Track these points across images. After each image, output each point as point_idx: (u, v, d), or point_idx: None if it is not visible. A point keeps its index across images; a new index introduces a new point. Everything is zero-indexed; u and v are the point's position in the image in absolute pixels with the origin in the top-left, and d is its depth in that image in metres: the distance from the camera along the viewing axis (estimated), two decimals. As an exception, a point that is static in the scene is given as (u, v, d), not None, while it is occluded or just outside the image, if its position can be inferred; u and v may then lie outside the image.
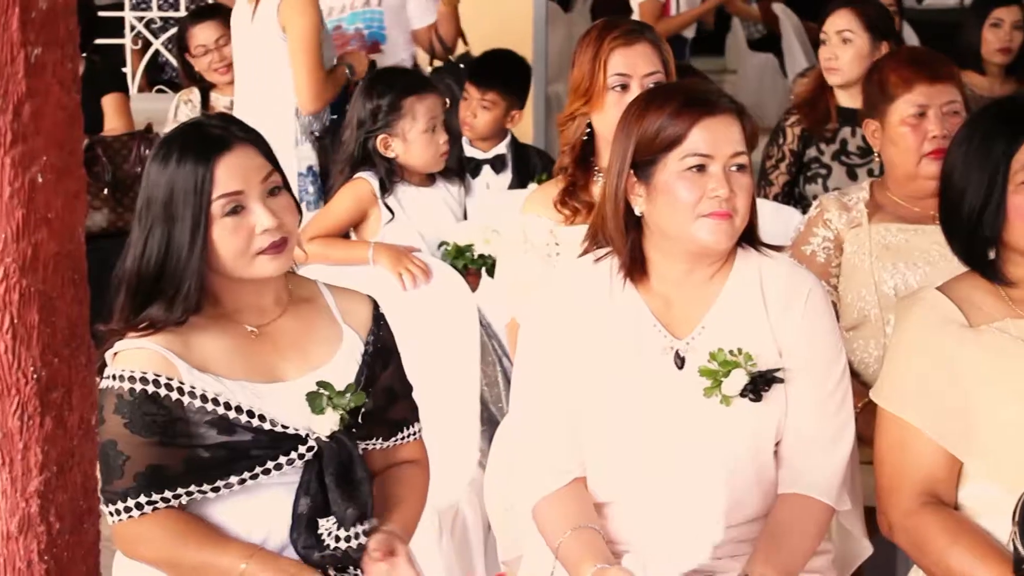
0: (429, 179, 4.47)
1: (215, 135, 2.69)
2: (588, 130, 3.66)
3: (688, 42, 7.05)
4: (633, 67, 3.60)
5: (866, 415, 3.15)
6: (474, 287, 4.26)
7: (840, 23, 4.96)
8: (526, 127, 6.36)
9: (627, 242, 2.92)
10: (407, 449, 2.94)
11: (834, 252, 3.72)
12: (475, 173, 4.99)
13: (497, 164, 5.03)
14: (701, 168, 2.83)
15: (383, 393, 2.83)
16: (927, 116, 3.64)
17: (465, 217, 4.52)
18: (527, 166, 5.02)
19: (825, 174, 4.70)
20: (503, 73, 5.17)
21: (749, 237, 2.95)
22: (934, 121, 3.62)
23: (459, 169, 4.74)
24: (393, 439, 2.89)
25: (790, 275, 2.95)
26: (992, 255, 2.88)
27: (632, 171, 2.89)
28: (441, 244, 4.42)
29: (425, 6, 5.78)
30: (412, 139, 4.34)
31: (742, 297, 2.92)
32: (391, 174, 4.37)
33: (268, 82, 5.10)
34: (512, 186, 4.95)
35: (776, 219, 4.31)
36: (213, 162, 2.65)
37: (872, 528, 3.09)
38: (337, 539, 2.69)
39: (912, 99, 3.66)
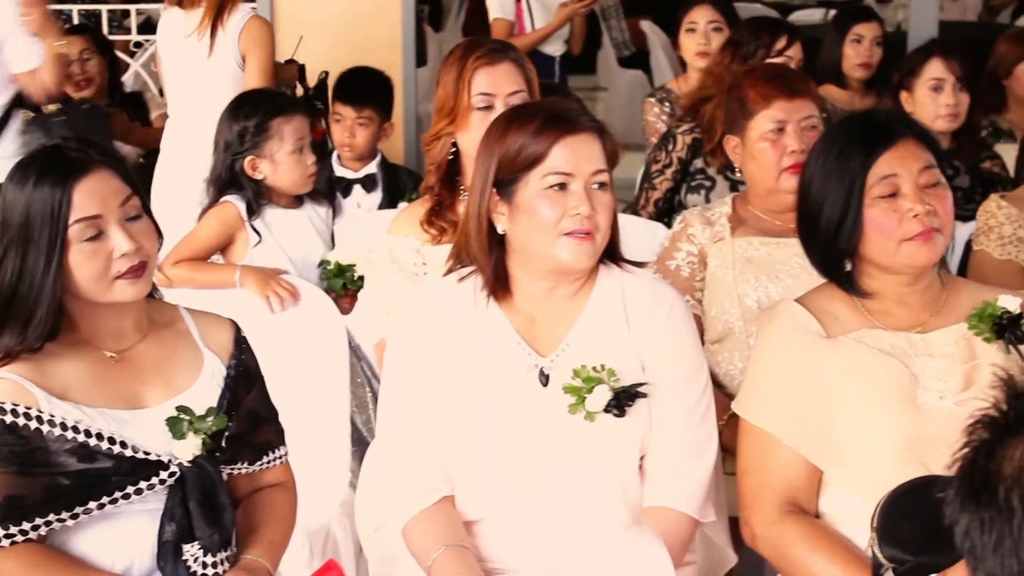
0: (296, 201, 4.45)
1: (73, 158, 2.66)
2: (453, 149, 3.67)
3: (556, 60, 7.08)
4: (497, 86, 3.62)
5: (731, 427, 3.19)
6: (350, 308, 4.25)
7: (708, 15, 5.11)
8: (397, 147, 6.36)
9: (490, 260, 2.94)
10: (273, 472, 2.92)
11: (698, 266, 3.76)
12: (346, 193, 4.99)
13: (368, 183, 5.03)
14: (562, 186, 2.86)
15: (247, 417, 2.81)
16: (785, 131, 3.71)
17: (332, 239, 4.51)
18: (397, 185, 5.02)
19: (709, 186, 4.73)
20: (373, 89, 5.18)
21: (611, 254, 2.98)
22: (792, 136, 3.68)
23: (328, 190, 4.74)
24: (258, 463, 2.87)
25: (652, 291, 2.99)
26: (849, 267, 2.94)
27: (495, 190, 2.91)
28: (322, 263, 4.41)
29: (26, 51, 5.52)
30: (279, 160, 4.32)
31: (605, 313, 2.94)
32: (258, 196, 4.35)
33: (217, 104, 4.98)
34: (382, 205, 4.95)
35: (644, 235, 4.35)
36: (71, 186, 2.62)
37: (737, 538, 3.13)
38: (204, 565, 2.67)
39: (771, 115, 3.72)
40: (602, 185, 2.89)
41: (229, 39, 5.48)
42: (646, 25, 9.00)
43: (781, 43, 4.99)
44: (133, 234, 2.67)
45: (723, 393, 3.59)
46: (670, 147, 4.81)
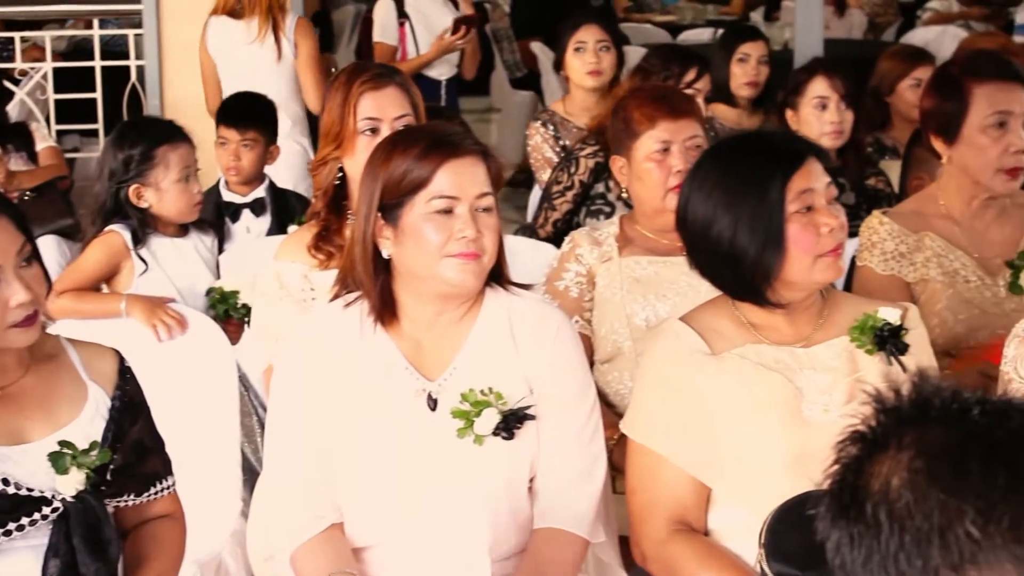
0: (182, 229, 4.42)
1: None
2: (340, 174, 3.66)
3: (442, 84, 7.09)
4: (382, 110, 3.62)
5: (622, 446, 3.20)
6: (236, 337, 4.22)
7: (596, 34, 5.14)
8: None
9: (376, 285, 2.93)
10: (161, 504, 2.89)
11: (587, 286, 3.78)
12: (235, 218, 4.95)
13: (256, 208, 5.00)
14: (448, 210, 2.86)
15: (133, 448, 2.78)
16: (671, 151, 3.73)
17: (217, 268, 4.48)
18: (287, 210, 4.99)
19: (608, 211, 4.75)
20: (256, 111, 5.16)
21: (497, 276, 2.99)
22: (678, 156, 3.71)
23: (216, 218, 4.70)
24: (146, 494, 2.84)
25: (538, 313, 3.00)
26: (764, 283, 2.92)
27: (379, 214, 2.91)
28: (209, 291, 4.37)
29: None
30: (165, 189, 4.29)
31: (492, 336, 2.95)
32: (144, 225, 4.31)
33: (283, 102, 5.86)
34: (272, 230, 4.92)
35: (534, 256, 4.36)
36: None
37: (628, 558, 3.14)
38: (89, 600, 2.64)
39: (656, 135, 3.75)
40: (487, 208, 2.89)
41: (288, 42, 6.31)
42: (536, 47, 9.04)
43: (691, 75, 5.05)
44: (28, 282, 2.63)
45: (613, 412, 3.61)
46: (572, 169, 4.83)
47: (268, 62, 6.32)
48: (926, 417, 1.51)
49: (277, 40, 6.33)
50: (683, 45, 5.80)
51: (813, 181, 2.87)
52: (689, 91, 4.83)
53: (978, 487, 1.43)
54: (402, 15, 7.19)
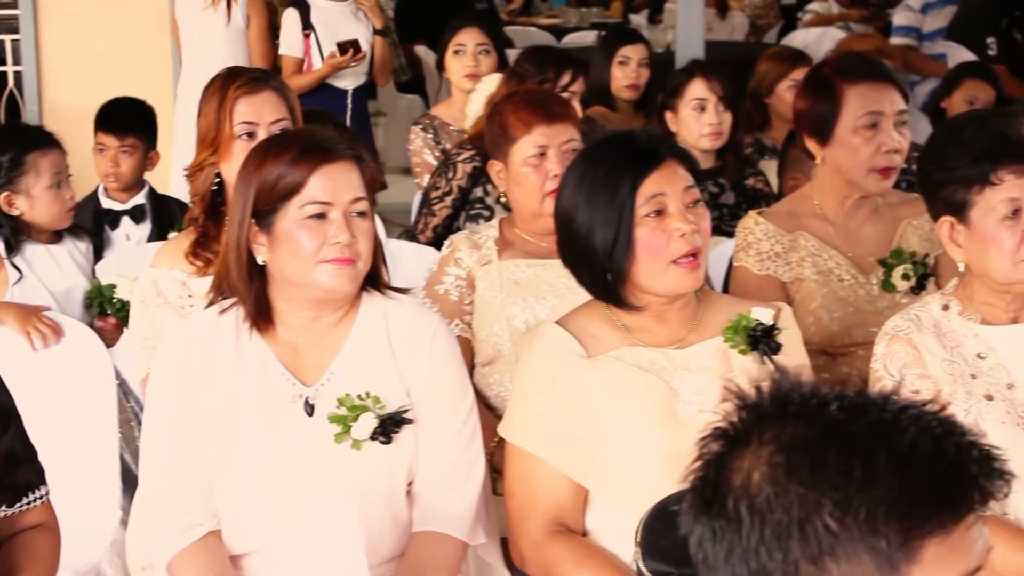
0: (56, 236, 4.36)
1: None
2: (218, 180, 3.64)
3: (348, 93, 7.04)
4: (259, 115, 3.60)
5: (503, 449, 3.21)
6: (114, 336, 4.17)
7: (476, 36, 5.12)
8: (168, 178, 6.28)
9: (251, 292, 2.92)
10: (34, 514, 2.84)
11: (467, 290, 3.78)
12: (114, 225, 4.90)
13: (137, 214, 4.95)
14: (321, 216, 2.85)
15: (4, 458, 2.73)
16: (547, 156, 3.75)
17: (93, 274, 4.42)
18: (167, 216, 4.95)
19: (487, 215, 4.75)
20: (135, 117, 5.11)
21: (374, 281, 2.99)
22: (554, 160, 3.72)
23: (95, 226, 4.65)
24: (18, 505, 2.80)
25: (415, 316, 3.00)
26: (618, 285, 2.96)
27: (253, 220, 2.89)
28: (86, 296, 4.32)
29: None
30: (37, 195, 4.23)
31: (369, 341, 2.95)
32: (16, 232, 4.25)
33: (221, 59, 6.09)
34: (152, 237, 4.87)
35: (416, 260, 4.36)
36: None
37: (511, 559, 3.15)
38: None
39: (532, 140, 3.76)
40: (362, 213, 2.89)
41: (240, 11, 6.73)
42: (421, 50, 9.04)
43: (566, 78, 5.05)
44: None
45: (494, 415, 3.61)
46: (450, 175, 4.83)
47: (218, 28, 6.68)
48: (785, 413, 1.53)
49: (228, 6, 6.67)
50: (558, 48, 5.80)
51: (667, 185, 2.89)
52: (565, 95, 4.85)
53: (835, 480, 1.45)
54: (307, 27, 7.16)
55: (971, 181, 2.92)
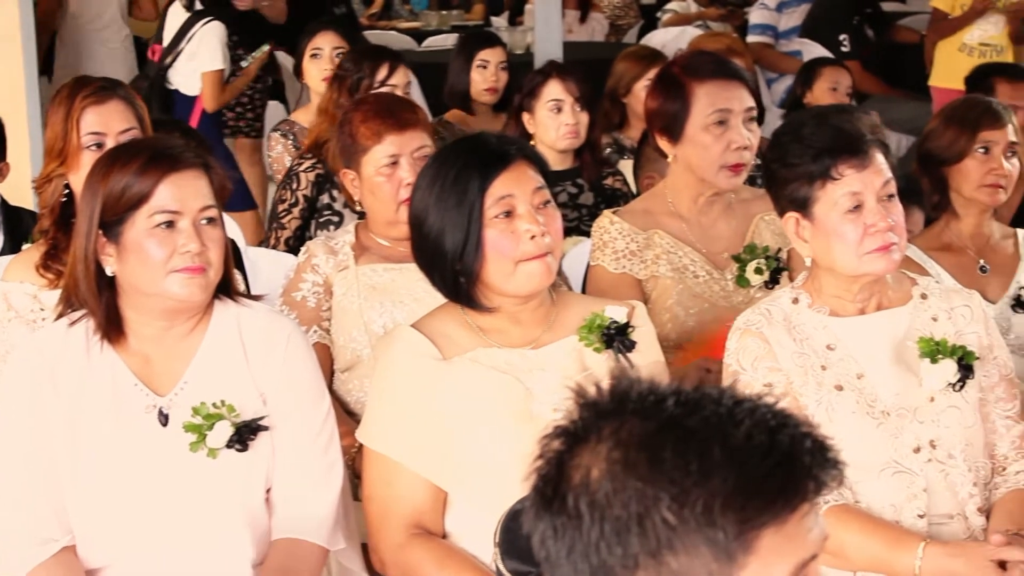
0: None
1: None
2: (67, 191, 3.59)
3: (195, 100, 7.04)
4: (106, 124, 3.56)
5: (364, 453, 3.21)
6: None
7: (332, 40, 5.11)
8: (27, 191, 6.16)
9: (101, 303, 2.89)
10: None
11: (324, 296, 3.77)
12: (-36, 238, 4.80)
13: (-13, 227, 4.86)
14: (170, 224, 2.83)
15: None
16: (400, 164, 3.75)
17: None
18: (19, 228, 4.85)
19: (337, 221, 4.74)
20: None
21: (226, 288, 2.97)
22: (407, 168, 3.71)
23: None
24: None
25: (269, 323, 2.99)
26: (469, 287, 2.97)
27: (101, 231, 2.86)
28: None
29: None
30: None
31: (222, 349, 2.93)
32: None
33: None
34: (5, 250, 4.78)
35: (276, 267, 4.34)
36: None
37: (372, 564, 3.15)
38: None
39: (384, 149, 3.76)
40: (211, 220, 2.87)
41: None
42: (280, 55, 8.97)
43: (383, 72, 5.03)
44: None
45: (355, 420, 3.60)
46: (294, 186, 4.82)
47: None
48: (624, 409, 1.54)
49: None
50: (375, 44, 5.76)
51: (515, 186, 2.91)
52: (385, 88, 4.86)
53: (672, 474, 1.47)
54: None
55: (813, 177, 2.98)
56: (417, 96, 7.13)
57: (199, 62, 6.97)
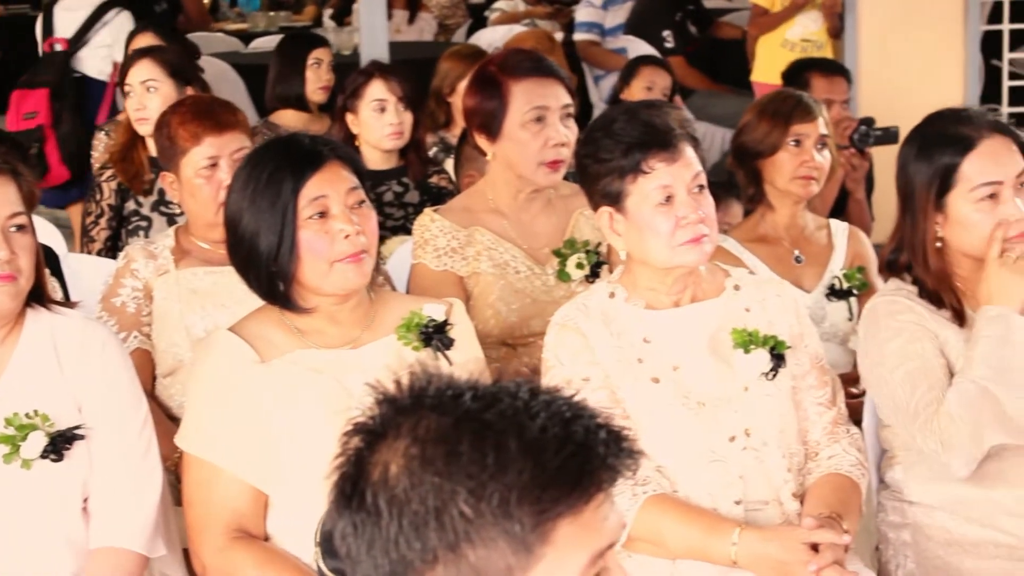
0: None
1: None
2: None
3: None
4: None
5: (183, 458, 3.18)
6: None
7: (143, 73, 5.02)
8: None
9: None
10: None
11: (144, 301, 3.73)
12: None
13: None
14: None
15: None
16: (219, 166, 3.72)
17: None
18: None
19: (146, 226, 4.71)
20: None
21: (39, 296, 2.93)
22: (226, 170, 3.67)
23: None
24: None
25: (83, 331, 2.95)
26: (285, 288, 2.97)
27: None
28: None
29: None
30: None
31: (35, 358, 2.89)
32: None
33: None
34: None
35: (98, 273, 4.28)
36: None
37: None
38: None
39: (202, 151, 3.73)
40: (21, 228, 2.83)
41: None
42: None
43: None
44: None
45: (177, 425, 3.57)
46: (98, 196, 4.81)
47: None
48: (421, 405, 1.56)
49: None
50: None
51: (329, 187, 2.92)
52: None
53: (469, 468, 1.49)
54: None
55: (624, 171, 3.02)
56: (243, 97, 7.11)
57: (115, 50, 6.98)
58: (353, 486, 1.55)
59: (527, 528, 1.49)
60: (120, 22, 7.12)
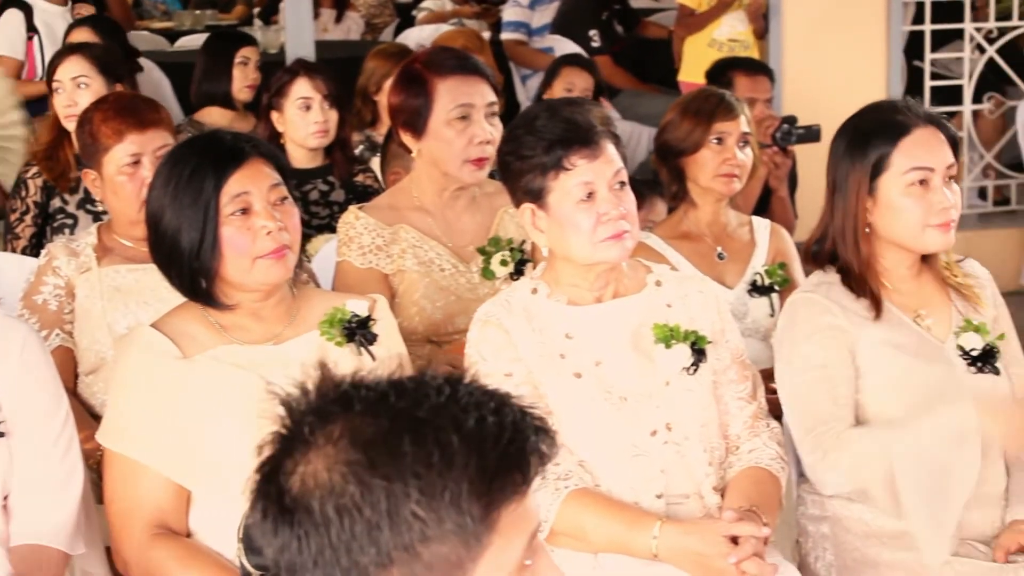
0: None
1: None
2: None
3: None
4: None
5: (105, 455, 3.16)
6: None
7: (73, 70, 4.99)
8: None
9: None
10: None
11: (66, 299, 3.71)
12: None
13: None
14: None
15: None
16: (142, 163, 3.71)
17: None
18: None
19: (72, 224, 4.69)
20: None
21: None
22: (149, 167, 3.65)
23: None
24: None
25: (3, 328, 2.93)
26: (207, 285, 2.97)
27: None
28: None
29: None
30: None
31: (-46, 355, 2.87)
32: None
33: None
34: None
35: (21, 271, 4.25)
36: None
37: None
38: None
39: (125, 148, 3.72)
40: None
41: None
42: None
43: None
44: None
45: (100, 424, 3.56)
46: (23, 193, 4.80)
47: None
48: (349, 408, 1.55)
49: None
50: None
51: (251, 183, 2.92)
52: None
53: (415, 467, 1.49)
54: (31, 29, 6.92)
55: (546, 168, 3.03)
56: (168, 95, 7.07)
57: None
58: (293, 500, 1.52)
59: (476, 519, 1.50)
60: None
